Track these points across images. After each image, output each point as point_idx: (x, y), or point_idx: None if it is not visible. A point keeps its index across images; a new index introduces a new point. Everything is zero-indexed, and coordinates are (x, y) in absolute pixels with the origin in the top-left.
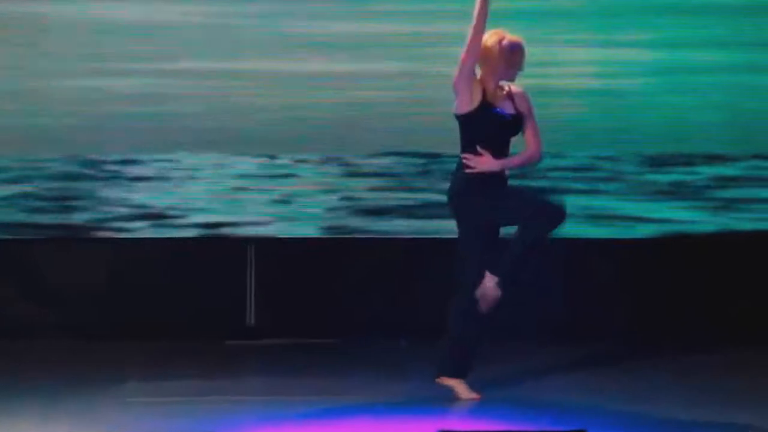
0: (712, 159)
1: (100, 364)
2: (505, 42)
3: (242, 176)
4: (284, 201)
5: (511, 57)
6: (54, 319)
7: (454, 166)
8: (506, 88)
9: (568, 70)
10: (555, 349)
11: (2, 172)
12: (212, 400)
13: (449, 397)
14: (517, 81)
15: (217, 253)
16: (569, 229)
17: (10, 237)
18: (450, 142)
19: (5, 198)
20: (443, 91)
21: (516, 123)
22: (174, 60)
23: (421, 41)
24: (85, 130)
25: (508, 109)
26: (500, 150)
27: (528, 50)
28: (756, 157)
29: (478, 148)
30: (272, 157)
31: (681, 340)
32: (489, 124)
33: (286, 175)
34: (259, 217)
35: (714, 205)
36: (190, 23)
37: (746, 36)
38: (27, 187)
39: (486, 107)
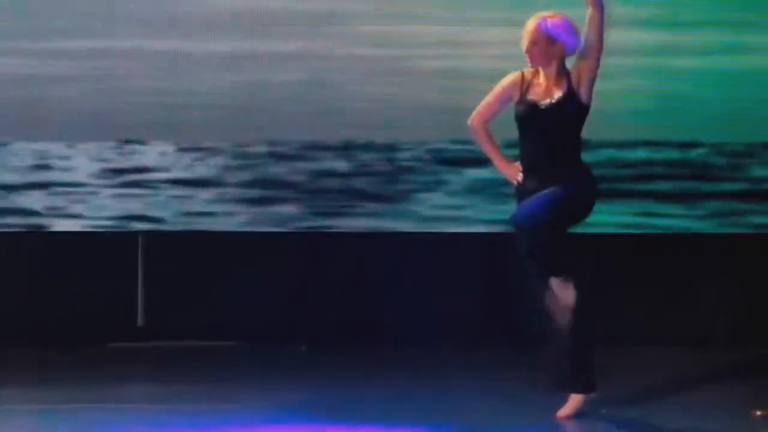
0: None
1: None
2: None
3: (127, 165)
4: (177, 192)
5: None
6: None
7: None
8: (563, 72)
9: (484, 51)
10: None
11: None
12: (95, 408)
13: (347, 406)
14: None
15: (103, 248)
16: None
17: None
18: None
19: None
20: (345, 72)
21: (553, 111)
22: (50, 38)
23: (318, 19)
24: None
25: (549, 96)
26: (542, 143)
27: (528, 24)
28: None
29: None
30: (159, 144)
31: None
32: (523, 117)
33: (178, 164)
34: (148, 209)
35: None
36: None
37: (672, 16)
38: None
39: (522, 102)
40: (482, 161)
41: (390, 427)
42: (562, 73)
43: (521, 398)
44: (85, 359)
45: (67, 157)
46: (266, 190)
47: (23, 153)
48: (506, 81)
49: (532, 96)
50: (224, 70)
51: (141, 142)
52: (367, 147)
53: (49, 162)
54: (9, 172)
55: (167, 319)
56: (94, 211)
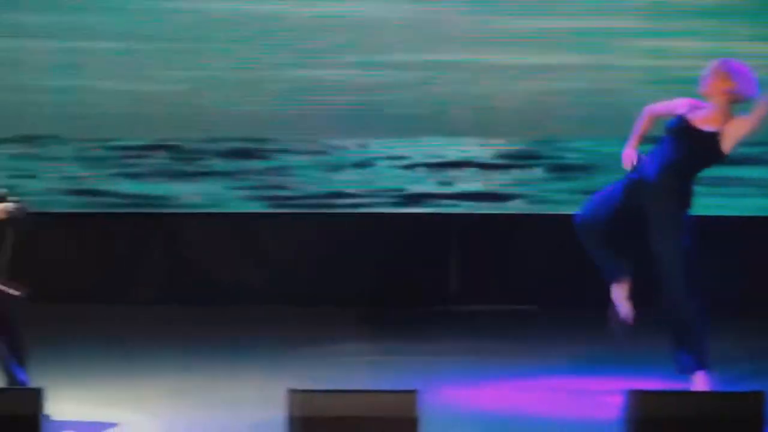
0: None
1: (316, 328)
2: None
3: (445, 159)
4: (484, 180)
5: None
6: (275, 287)
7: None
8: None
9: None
10: None
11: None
12: (416, 360)
13: (638, 362)
14: None
15: (424, 228)
16: None
17: (233, 211)
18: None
19: (224, 173)
20: (623, 81)
21: (697, 137)
22: (382, 52)
23: (604, 35)
24: (301, 117)
25: (704, 124)
26: (671, 156)
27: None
28: None
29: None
30: (477, 139)
31: None
32: (670, 128)
33: (487, 157)
34: (460, 194)
35: None
36: (396, 19)
37: None
38: (251, 164)
39: (679, 116)
40: (744, 160)
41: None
42: (725, 113)
43: None
44: (406, 320)
45: (400, 152)
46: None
47: (363, 149)
48: (681, 100)
49: (690, 116)
50: (519, 79)
51: (471, 139)
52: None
53: (381, 156)
54: (346, 166)
55: (476, 285)
56: (413, 193)
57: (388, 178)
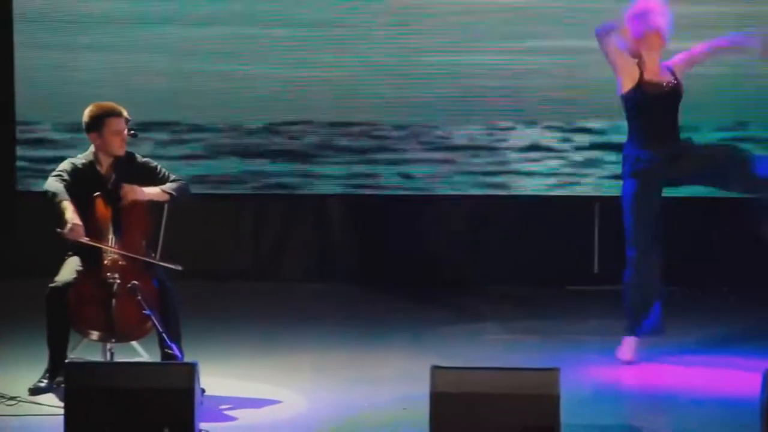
0: None
1: (458, 307)
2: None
3: (592, 142)
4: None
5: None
6: (421, 267)
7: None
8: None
9: None
10: None
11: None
12: (558, 339)
13: None
14: None
15: (567, 210)
16: None
17: (379, 192)
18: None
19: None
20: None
21: (673, 90)
22: (531, 38)
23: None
24: (452, 101)
25: (663, 78)
26: (665, 118)
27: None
28: None
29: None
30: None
31: None
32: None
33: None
34: (602, 177)
35: None
36: (541, 6)
37: None
38: (403, 145)
39: (644, 82)
40: None
41: None
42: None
43: None
44: (549, 299)
45: (541, 137)
46: None
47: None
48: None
49: (650, 76)
50: None
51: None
52: None
53: (527, 140)
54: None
55: (617, 267)
56: (554, 177)
57: (537, 160)
